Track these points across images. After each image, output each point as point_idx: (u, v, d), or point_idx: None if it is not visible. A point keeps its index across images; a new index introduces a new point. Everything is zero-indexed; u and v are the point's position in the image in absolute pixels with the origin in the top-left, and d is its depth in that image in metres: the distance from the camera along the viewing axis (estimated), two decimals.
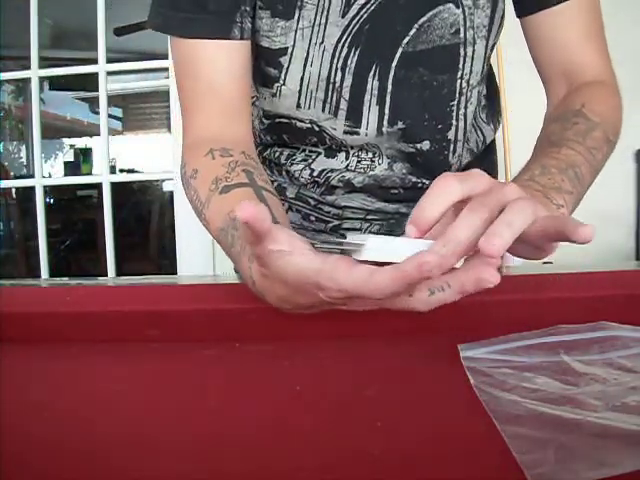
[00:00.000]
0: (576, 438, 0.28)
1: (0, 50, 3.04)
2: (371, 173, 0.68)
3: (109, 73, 1.97)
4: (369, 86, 0.63)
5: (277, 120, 0.68)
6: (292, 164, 0.71)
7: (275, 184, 0.73)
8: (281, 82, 0.64)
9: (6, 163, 4.73)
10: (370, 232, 0.72)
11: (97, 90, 1.99)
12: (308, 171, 0.70)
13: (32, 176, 2.15)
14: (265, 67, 0.64)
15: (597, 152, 0.56)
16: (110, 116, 4.88)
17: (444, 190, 0.39)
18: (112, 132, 5.17)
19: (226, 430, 0.33)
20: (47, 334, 0.48)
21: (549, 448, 0.27)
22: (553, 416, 0.30)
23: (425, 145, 0.66)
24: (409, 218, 0.38)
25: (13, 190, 3.81)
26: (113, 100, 5.41)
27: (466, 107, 0.67)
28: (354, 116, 0.65)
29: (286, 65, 0.63)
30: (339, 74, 0.63)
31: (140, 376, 0.42)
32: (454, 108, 0.66)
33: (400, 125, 0.65)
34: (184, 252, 2.05)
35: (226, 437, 0.32)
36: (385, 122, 0.65)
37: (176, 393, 0.39)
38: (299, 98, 0.64)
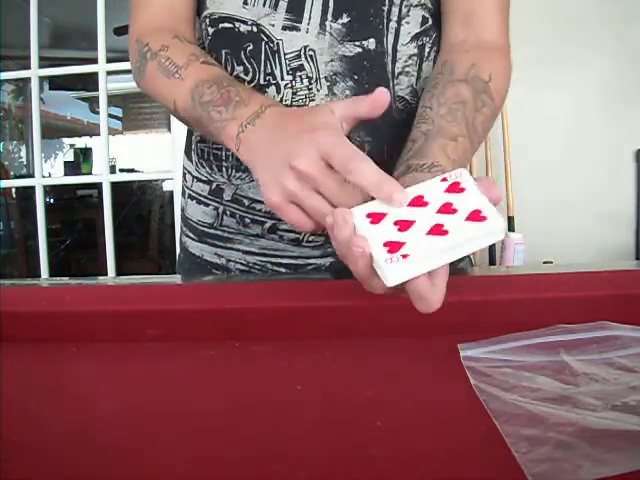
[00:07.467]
0: (576, 438, 0.28)
1: (0, 50, 3.04)
2: (312, 105, 0.62)
3: (109, 73, 1.97)
4: None
5: (221, 26, 0.64)
6: None
7: (214, 185, 0.69)
8: None
9: (6, 163, 4.72)
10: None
11: (97, 90, 1.99)
12: None
13: (32, 176, 2.15)
14: None
15: (487, 133, 0.60)
16: (110, 116, 4.88)
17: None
18: (112, 132, 5.18)
19: (226, 430, 0.33)
20: (47, 334, 0.48)
21: (549, 447, 0.27)
22: (553, 415, 0.30)
23: (371, 44, 0.62)
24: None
25: (13, 190, 3.81)
26: (113, 100, 5.41)
27: (399, 23, 0.63)
28: (296, 8, 0.61)
29: None
30: None
31: (140, 376, 0.42)
32: (384, 14, 0.62)
33: (345, 19, 0.61)
34: None
35: (226, 437, 0.32)
36: (329, 15, 0.60)
37: (176, 393, 0.39)
38: None
